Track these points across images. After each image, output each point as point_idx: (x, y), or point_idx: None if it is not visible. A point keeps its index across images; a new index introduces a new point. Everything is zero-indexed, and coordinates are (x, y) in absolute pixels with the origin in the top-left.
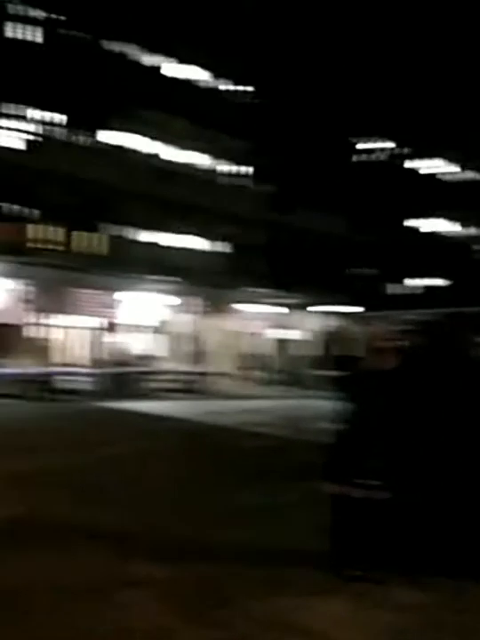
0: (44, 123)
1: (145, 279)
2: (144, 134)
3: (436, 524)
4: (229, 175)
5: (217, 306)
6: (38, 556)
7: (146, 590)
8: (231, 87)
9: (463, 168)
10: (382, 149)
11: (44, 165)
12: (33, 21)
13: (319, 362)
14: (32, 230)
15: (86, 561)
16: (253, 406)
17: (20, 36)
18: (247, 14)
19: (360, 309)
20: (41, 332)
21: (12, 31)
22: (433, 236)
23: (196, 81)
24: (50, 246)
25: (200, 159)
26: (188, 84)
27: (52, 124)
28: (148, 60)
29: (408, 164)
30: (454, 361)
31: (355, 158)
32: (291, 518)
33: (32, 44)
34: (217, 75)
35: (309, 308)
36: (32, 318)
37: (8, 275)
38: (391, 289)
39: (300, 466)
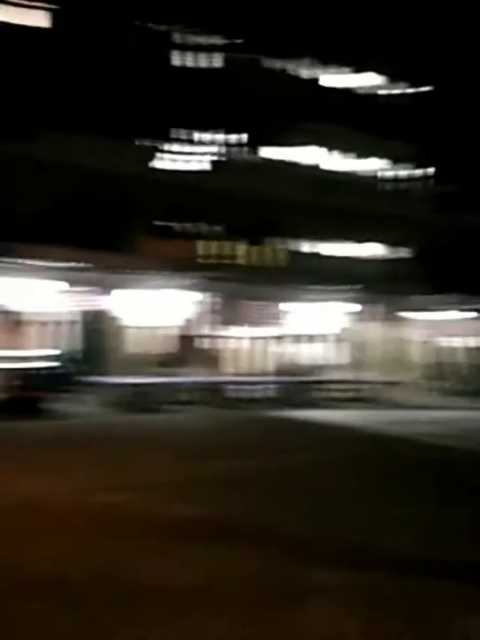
0: (212, 143)
1: (314, 289)
2: (312, 145)
3: None
4: (399, 180)
5: (389, 313)
6: (219, 555)
7: (324, 595)
8: (406, 90)
9: None
10: None
11: (215, 184)
12: (194, 48)
13: None
14: (204, 246)
15: (263, 563)
16: (429, 417)
17: (185, 62)
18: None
19: None
20: (215, 343)
21: (179, 59)
22: None
23: (358, 88)
24: (222, 261)
25: (367, 165)
26: (350, 92)
27: (220, 143)
28: (308, 72)
29: None
30: None
31: None
32: (465, 532)
33: (195, 69)
34: (392, 79)
35: None
36: (207, 329)
37: (186, 289)
38: None
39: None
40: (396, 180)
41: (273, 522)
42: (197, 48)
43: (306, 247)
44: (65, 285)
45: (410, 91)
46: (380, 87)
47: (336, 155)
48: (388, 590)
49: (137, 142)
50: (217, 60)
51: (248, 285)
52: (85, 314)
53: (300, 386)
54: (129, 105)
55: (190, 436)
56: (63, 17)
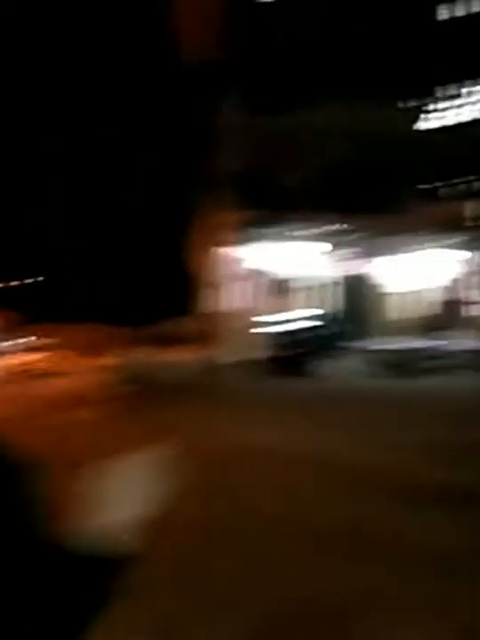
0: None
1: None
2: None
3: None
4: None
5: None
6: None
7: None
8: None
9: None
10: None
11: None
12: None
13: None
14: (472, 206)
15: None
16: None
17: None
18: None
19: None
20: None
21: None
22: None
23: None
24: None
25: None
26: None
27: None
28: None
29: None
30: None
31: None
32: None
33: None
34: None
35: None
36: (474, 292)
37: (452, 250)
38: None
39: None
40: None
41: None
42: None
43: None
44: (329, 250)
45: None
46: None
47: None
48: None
49: (403, 104)
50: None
51: None
52: (348, 278)
53: None
54: (395, 66)
55: (452, 402)
56: None
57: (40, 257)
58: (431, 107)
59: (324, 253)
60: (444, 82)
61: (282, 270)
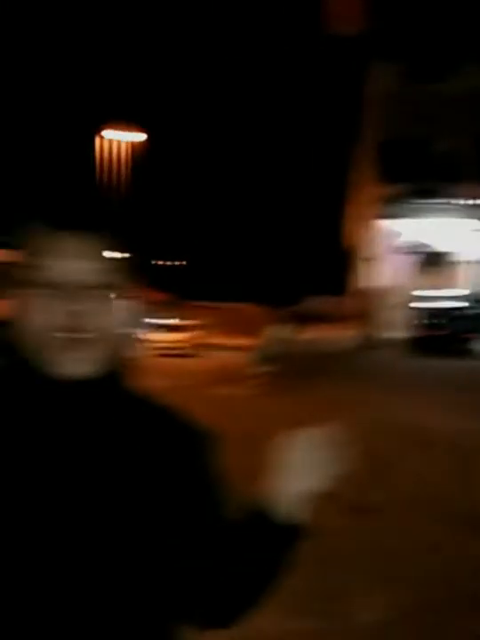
0: None
1: None
2: None
3: None
4: None
5: None
6: None
7: None
8: None
9: None
10: None
11: None
12: None
13: None
14: None
15: None
16: None
17: None
18: None
19: None
20: None
21: None
22: None
23: None
24: None
25: None
26: None
27: None
28: None
29: None
30: None
31: None
32: None
33: None
34: None
35: None
36: None
37: None
38: None
39: None
40: None
41: None
42: None
43: None
44: None
45: None
46: None
47: None
48: None
49: None
50: None
51: None
52: None
53: None
54: None
55: None
56: None
57: (187, 238)
58: None
59: (478, 228)
60: None
61: (436, 245)
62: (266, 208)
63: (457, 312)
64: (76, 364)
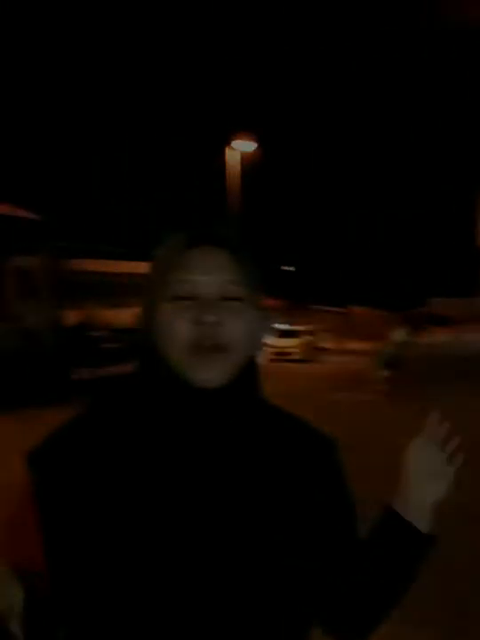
0: None
1: None
2: None
3: None
4: None
5: None
6: None
7: None
8: None
9: None
10: None
11: None
12: None
13: None
14: None
15: None
16: None
17: None
18: None
19: None
20: None
21: None
22: None
23: None
24: None
25: None
26: None
27: None
28: None
29: None
30: None
31: None
32: None
33: None
34: None
35: None
36: None
37: None
38: None
39: None
40: None
41: None
42: None
43: None
44: None
45: None
46: None
47: None
48: None
49: None
50: None
51: None
52: None
53: None
54: None
55: None
56: None
57: (297, 244)
58: None
59: None
60: None
61: None
62: (388, 209)
63: None
64: (210, 373)
